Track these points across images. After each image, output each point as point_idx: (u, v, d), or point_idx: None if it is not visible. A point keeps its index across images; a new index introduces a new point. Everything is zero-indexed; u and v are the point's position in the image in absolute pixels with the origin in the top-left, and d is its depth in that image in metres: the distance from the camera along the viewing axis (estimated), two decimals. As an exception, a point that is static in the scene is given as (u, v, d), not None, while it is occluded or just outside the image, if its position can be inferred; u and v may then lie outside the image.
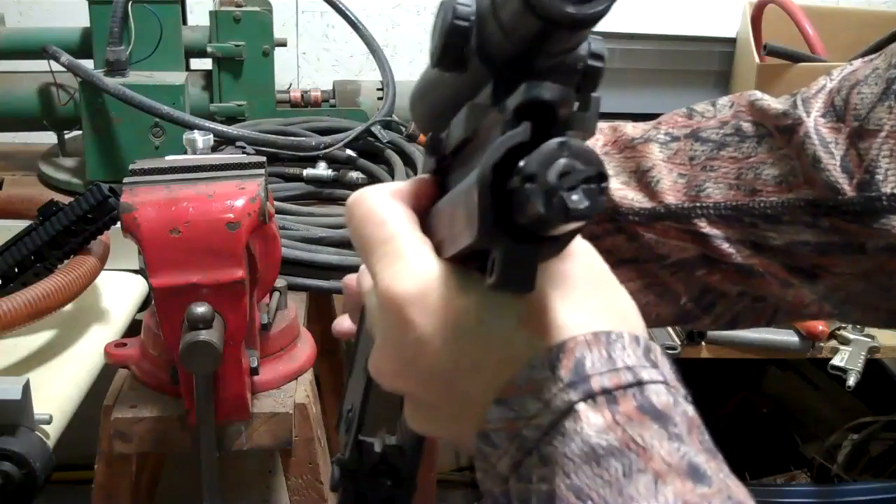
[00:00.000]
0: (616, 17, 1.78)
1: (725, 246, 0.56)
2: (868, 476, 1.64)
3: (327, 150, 1.48)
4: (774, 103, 0.55)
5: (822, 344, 1.30)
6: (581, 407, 0.35)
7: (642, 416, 0.35)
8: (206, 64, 1.63)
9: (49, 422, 0.92)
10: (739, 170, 0.55)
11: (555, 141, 0.34)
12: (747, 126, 0.56)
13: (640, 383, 0.35)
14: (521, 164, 0.34)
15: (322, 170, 1.49)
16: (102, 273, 1.08)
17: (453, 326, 0.39)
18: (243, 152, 1.40)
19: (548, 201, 0.33)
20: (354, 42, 1.71)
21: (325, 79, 1.88)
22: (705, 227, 0.56)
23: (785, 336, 1.32)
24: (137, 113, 1.39)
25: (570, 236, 0.36)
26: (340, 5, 1.64)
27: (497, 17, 0.37)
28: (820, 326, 1.29)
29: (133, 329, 1.15)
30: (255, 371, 0.95)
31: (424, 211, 0.44)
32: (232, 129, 1.42)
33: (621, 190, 0.57)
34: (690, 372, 1.57)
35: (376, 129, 1.52)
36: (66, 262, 1.06)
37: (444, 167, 0.46)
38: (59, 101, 1.55)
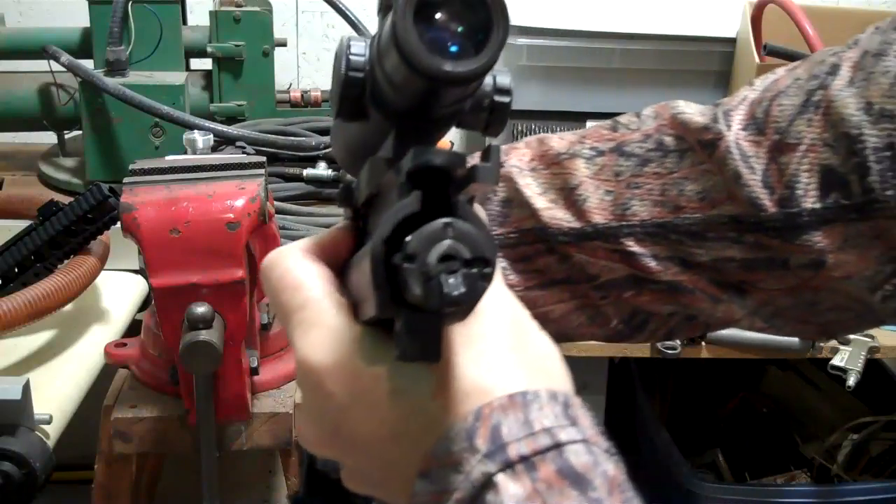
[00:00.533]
0: (616, 17, 1.77)
1: (653, 264, 0.55)
2: (868, 476, 1.64)
3: (327, 150, 1.48)
4: (696, 116, 0.54)
5: (822, 344, 1.30)
6: (500, 478, 0.34)
7: (562, 482, 0.34)
8: (206, 64, 1.63)
9: (49, 422, 0.92)
10: (663, 186, 0.55)
11: (440, 222, 0.34)
12: (669, 140, 0.55)
13: (558, 445, 0.35)
14: (407, 240, 0.34)
15: (322, 170, 1.49)
16: (102, 273, 1.08)
17: (369, 397, 0.38)
18: (243, 152, 1.40)
19: (425, 284, 0.33)
20: (354, 42, 1.71)
21: (325, 79, 1.88)
22: (633, 246, 0.55)
23: (785, 336, 1.32)
24: (137, 113, 1.39)
25: (475, 301, 0.35)
26: (340, 5, 1.64)
27: (383, 71, 0.36)
28: (820, 326, 1.29)
29: (133, 329, 1.15)
30: (255, 371, 0.95)
31: (344, 262, 0.43)
32: (232, 129, 1.42)
33: (550, 209, 0.56)
34: (690, 372, 1.56)
35: (376, 129, 1.52)
36: (66, 262, 1.06)
37: (361, 214, 0.45)
38: (59, 101, 1.55)
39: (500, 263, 0.56)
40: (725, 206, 0.53)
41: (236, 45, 1.56)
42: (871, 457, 1.65)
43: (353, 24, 1.64)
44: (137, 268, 1.26)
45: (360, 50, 0.38)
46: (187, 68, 1.61)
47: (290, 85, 1.91)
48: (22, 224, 1.10)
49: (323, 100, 1.67)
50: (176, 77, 1.50)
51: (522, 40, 1.58)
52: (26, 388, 0.88)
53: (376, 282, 0.35)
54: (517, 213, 0.57)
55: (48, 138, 1.66)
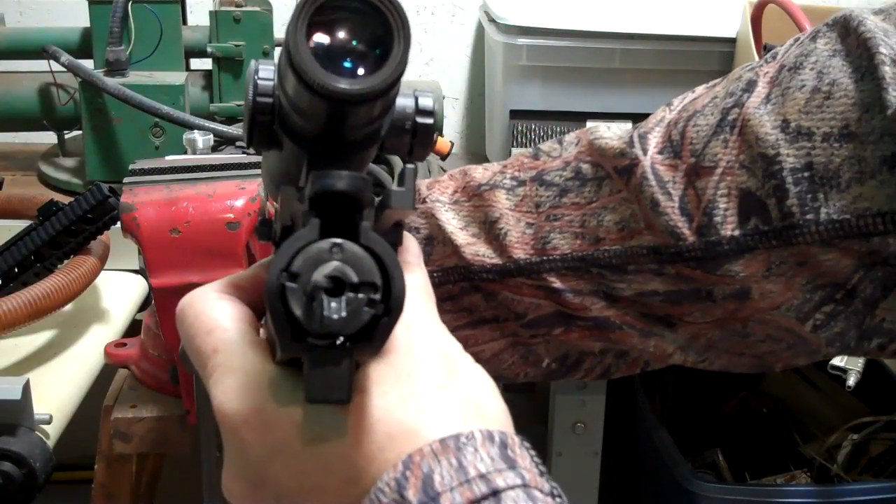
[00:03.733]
0: (616, 17, 1.78)
1: (578, 300, 0.52)
2: (868, 476, 1.64)
3: (327, 150, 1.48)
4: (612, 141, 0.51)
5: (822, 344, 1.30)
6: None
7: None
8: (206, 64, 1.63)
9: (49, 422, 0.92)
10: (583, 217, 0.52)
11: (328, 241, 0.32)
12: (587, 168, 0.52)
13: (495, 493, 0.32)
14: (294, 259, 0.32)
15: (322, 170, 1.49)
16: (102, 273, 1.08)
17: (288, 446, 0.36)
18: (243, 152, 1.40)
19: (307, 305, 0.31)
20: (354, 42, 1.71)
21: (325, 79, 1.87)
22: (555, 282, 0.52)
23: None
24: (137, 113, 1.39)
25: (383, 333, 0.32)
26: (340, 5, 1.63)
27: (285, 93, 0.34)
28: (820, 326, 1.29)
29: (133, 329, 1.15)
30: (255, 371, 0.95)
31: None
32: (232, 129, 1.42)
33: (472, 244, 0.54)
34: (690, 372, 1.56)
35: (376, 129, 1.52)
36: (66, 262, 1.06)
37: None
38: (59, 101, 1.55)
39: None
40: (645, 237, 0.49)
41: (236, 45, 1.56)
42: (871, 457, 1.65)
43: (353, 24, 1.64)
44: (137, 268, 1.25)
45: (268, 74, 0.36)
46: (187, 68, 1.61)
47: (290, 85, 1.91)
48: (22, 224, 1.10)
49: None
50: (176, 77, 1.50)
51: (522, 40, 1.58)
52: (26, 388, 0.88)
53: (275, 317, 0.32)
54: (440, 250, 0.54)
55: (48, 138, 1.66)
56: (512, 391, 1.97)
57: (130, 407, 0.98)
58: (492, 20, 1.66)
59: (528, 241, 0.53)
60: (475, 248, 0.54)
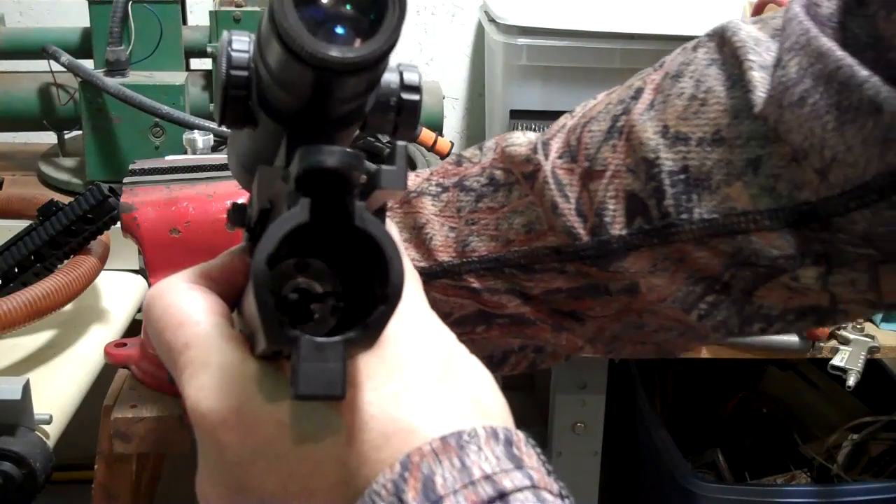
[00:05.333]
0: (616, 17, 1.78)
1: (495, 298, 0.55)
2: (868, 476, 1.64)
3: (327, 150, 1.48)
4: (521, 148, 0.54)
5: (822, 344, 1.30)
6: None
7: None
8: (206, 64, 1.63)
9: (49, 422, 0.92)
10: (497, 220, 0.55)
11: (290, 262, 0.30)
12: (499, 174, 0.55)
13: (502, 496, 0.30)
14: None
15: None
16: (102, 273, 1.08)
17: (272, 447, 0.33)
18: (243, 152, 1.39)
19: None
20: (354, 42, 1.71)
21: (325, 79, 1.87)
22: (474, 282, 0.55)
23: (785, 336, 1.31)
24: (137, 113, 1.39)
25: (380, 323, 0.30)
26: (340, 5, 1.63)
27: (267, 65, 0.32)
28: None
29: (133, 329, 1.15)
30: (255, 371, 0.95)
31: (240, 290, 0.39)
32: (232, 129, 1.42)
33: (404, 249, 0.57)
34: (690, 372, 1.56)
35: (376, 129, 1.52)
36: (66, 262, 1.06)
37: (256, 234, 0.39)
38: (59, 101, 1.55)
39: None
40: (548, 238, 0.53)
41: (236, 45, 1.56)
42: (871, 457, 1.65)
43: (353, 24, 1.64)
44: (137, 268, 1.25)
45: (242, 46, 0.33)
46: (187, 68, 1.61)
47: (290, 85, 1.91)
48: (22, 224, 1.10)
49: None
50: (176, 77, 1.50)
51: (522, 40, 1.58)
52: (26, 388, 0.88)
53: (261, 306, 0.29)
54: None
55: (48, 138, 1.66)
56: (512, 390, 1.98)
57: (130, 407, 0.98)
58: (492, 20, 1.66)
59: (451, 244, 0.55)
60: (405, 253, 0.56)
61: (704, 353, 1.32)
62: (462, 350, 0.36)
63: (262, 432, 0.33)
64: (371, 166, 0.31)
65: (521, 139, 0.55)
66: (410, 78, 0.35)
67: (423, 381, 0.33)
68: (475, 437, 0.31)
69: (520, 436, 0.33)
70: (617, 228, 0.50)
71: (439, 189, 0.57)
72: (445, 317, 0.55)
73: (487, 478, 0.30)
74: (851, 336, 1.30)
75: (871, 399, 1.69)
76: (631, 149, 0.50)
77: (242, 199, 0.90)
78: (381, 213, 0.34)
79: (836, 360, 1.28)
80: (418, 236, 0.56)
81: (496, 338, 0.57)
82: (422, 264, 0.55)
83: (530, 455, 0.32)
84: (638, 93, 0.52)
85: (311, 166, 0.30)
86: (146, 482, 1.34)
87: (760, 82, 0.46)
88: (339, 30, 0.30)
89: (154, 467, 1.41)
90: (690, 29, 1.71)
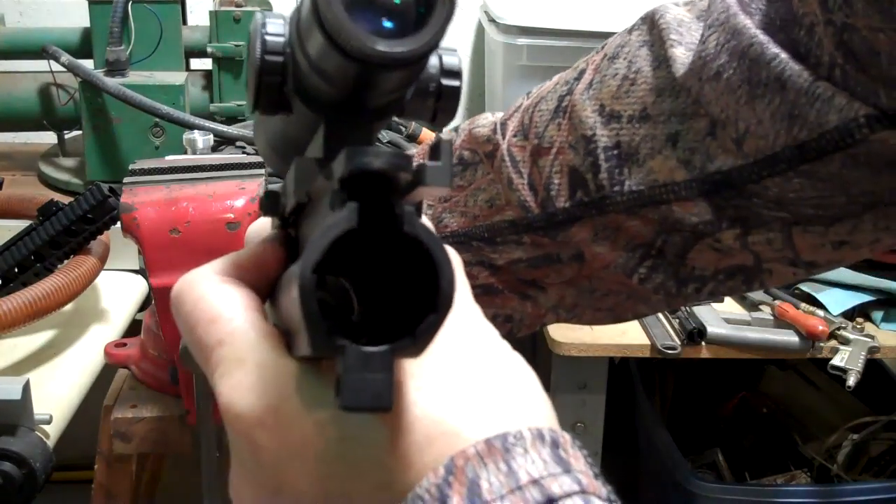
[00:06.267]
0: (616, 18, 1.78)
1: (467, 270, 0.57)
2: (868, 476, 1.64)
3: (327, 150, 1.48)
4: (483, 129, 0.58)
5: (822, 344, 1.30)
6: None
7: None
8: (206, 64, 1.63)
9: (49, 422, 0.92)
10: (466, 197, 0.59)
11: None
12: (467, 154, 0.59)
13: (550, 501, 0.29)
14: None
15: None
16: (102, 273, 1.08)
17: (311, 449, 0.32)
18: (243, 152, 1.40)
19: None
20: (354, 42, 1.71)
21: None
22: None
23: (785, 336, 1.31)
24: (137, 113, 1.39)
25: (429, 333, 0.29)
26: (340, 5, 1.64)
27: (307, 55, 0.30)
28: (820, 326, 1.28)
29: (133, 329, 1.15)
30: (255, 371, 0.95)
31: (274, 281, 0.37)
32: (232, 129, 1.42)
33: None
34: (690, 372, 1.55)
35: (376, 129, 1.52)
36: (66, 262, 1.06)
37: (291, 222, 0.39)
38: (59, 101, 1.55)
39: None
40: (506, 212, 0.57)
41: (236, 45, 1.56)
42: (871, 457, 1.65)
43: (353, 24, 1.64)
44: (137, 268, 1.26)
45: (278, 28, 0.31)
46: (187, 68, 1.61)
47: (290, 85, 1.91)
48: (22, 224, 1.10)
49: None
50: (176, 77, 1.50)
51: (522, 40, 1.58)
52: (26, 388, 0.88)
53: (308, 316, 0.28)
54: None
55: (48, 138, 1.66)
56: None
57: (130, 407, 0.98)
58: (492, 20, 1.66)
59: (428, 221, 0.59)
60: None
61: (704, 352, 1.32)
62: (505, 346, 0.34)
63: (301, 433, 0.32)
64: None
65: (486, 121, 0.59)
66: (450, 62, 0.34)
67: (467, 381, 0.32)
68: (521, 439, 0.30)
69: (566, 437, 0.32)
70: (561, 201, 0.55)
71: None
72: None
73: (535, 482, 0.29)
74: (851, 336, 1.30)
75: (871, 399, 1.69)
76: (572, 126, 0.54)
77: (241, 199, 0.90)
78: (418, 208, 0.33)
79: (836, 360, 1.28)
80: None
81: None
82: None
83: (577, 457, 0.31)
84: (580, 74, 0.56)
85: (360, 168, 0.28)
86: (146, 482, 1.34)
87: (681, 57, 0.50)
88: (388, 24, 0.29)
89: (154, 467, 1.41)
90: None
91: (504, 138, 0.57)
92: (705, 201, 0.50)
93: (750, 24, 0.47)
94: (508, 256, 0.58)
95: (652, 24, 0.53)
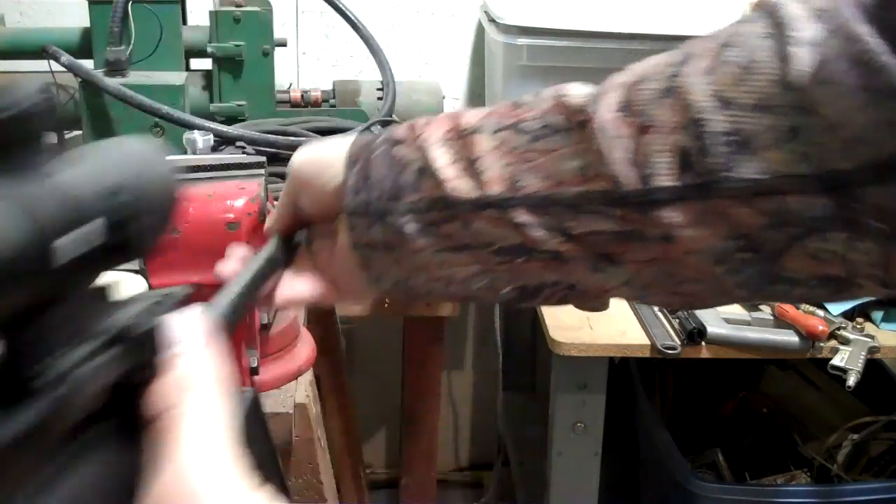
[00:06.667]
0: (616, 17, 1.77)
1: (539, 233, 0.59)
2: (868, 476, 1.64)
3: (327, 150, 1.48)
4: (577, 98, 0.59)
5: (822, 344, 1.30)
6: None
7: None
8: (206, 64, 1.63)
9: (49, 422, 0.92)
10: (550, 161, 0.59)
11: None
12: (555, 120, 0.60)
13: None
14: None
15: (322, 170, 1.49)
16: (102, 273, 1.08)
17: None
18: (243, 152, 1.40)
19: None
20: (354, 42, 1.71)
21: (325, 79, 1.88)
22: (521, 216, 0.59)
23: (785, 336, 1.32)
24: (137, 113, 1.39)
25: None
26: (340, 5, 1.64)
27: None
28: (820, 326, 1.29)
29: (133, 329, 1.15)
30: (255, 371, 0.95)
31: None
32: (232, 129, 1.42)
33: (456, 179, 0.60)
34: (690, 372, 1.56)
35: (376, 129, 1.52)
36: (66, 262, 1.06)
37: None
38: (59, 102, 1.55)
39: (415, 226, 0.60)
40: (599, 183, 0.57)
41: (236, 45, 1.56)
42: (871, 457, 1.66)
43: (353, 24, 1.65)
44: (137, 268, 1.25)
45: None
46: (187, 68, 1.61)
47: (290, 85, 1.91)
48: (22, 224, 1.10)
49: (323, 100, 1.67)
50: (176, 77, 1.50)
51: (522, 40, 1.58)
52: (26, 388, 0.88)
53: None
54: (428, 182, 0.61)
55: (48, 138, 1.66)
56: (512, 390, 1.98)
57: (130, 407, 0.98)
58: (492, 20, 1.66)
59: (503, 178, 0.60)
60: (457, 183, 0.60)
61: (704, 352, 1.32)
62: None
63: None
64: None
65: (577, 91, 0.60)
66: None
67: None
68: None
69: None
70: (664, 180, 0.55)
71: (496, 127, 0.61)
72: (488, 246, 0.60)
73: None
74: (851, 336, 1.30)
75: (871, 399, 1.69)
76: (682, 108, 0.55)
77: (241, 199, 0.90)
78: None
79: (836, 360, 1.28)
80: (471, 168, 0.60)
81: (533, 270, 0.61)
82: (471, 195, 0.60)
83: None
84: (687, 58, 0.56)
85: None
86: (146, 482, 1.34)
87: (800, 55, 0.51)
88: None
89: (154, 467, 1.41)
90: (690, 29, 1.71)
91: (602, 111, 0.57)
92: (825, 197, 0.51)
93: (866, 31, 0.48)
94: (589, 227, 0.58)
95: (770, 17, 0.54)
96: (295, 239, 0.68)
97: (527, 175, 0.59)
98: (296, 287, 0.67)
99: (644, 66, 0.60)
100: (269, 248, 0.65)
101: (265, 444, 0.47)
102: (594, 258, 0.59)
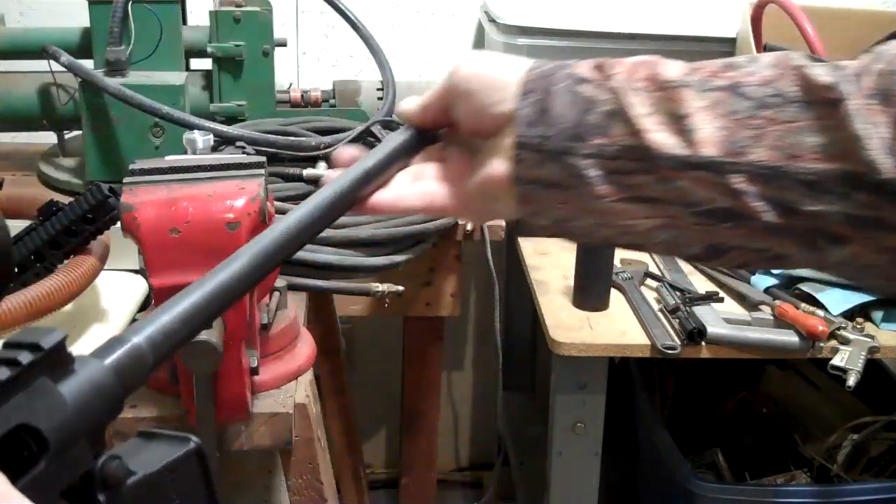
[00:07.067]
0: (616, 17, 1.78)
1: (758, 204, 0.56)
2: (868, 476, 1.64)
3: (327, 150, 1.48)
4: (822, 76, 0.56)
5: (822, 344, 1.30)
6: None
7: None
8: (206, 64, 1.63)
9: (49, 422, 0.92)
10: (781, 132, 0.56)
11: None
12: (792, 91, 0.56)
13: None
14: None
15: (322, 170, 1.49)
16: (102, 273, 1.08)
17: None
18: (243, 152, 1.40)
19: None
20: (354, 42, 1.71)
21: (325, 79, 1.88)
22: (740, 183, 0.56)
23: (785, 336, 1.31)
24: (137, 113, 1.39)
25: None
26: (340, 5, 1.64)
27: None
28: (820, 326, 1.29)
29: (133, 329, 1.15)
30: (255, 371, 0.95)
31: None
32: (232, 129, 1.42)
33: (657, 132, 0.57)
34: (690, 372, 1.55)
35: (376, 129, 1.52)
36: (66, 262, 1.06)
37: None
38: (59, 101, 1.55)
39: (598, 171, 0.57)
40: (842, 163, 0.54)
41: (236, 45, 1.56)
42: (871, 457, 1.65)
43: (353, 24, 1.64)
44: (137, 268, 1.25)
45: None
46: (187, 68, 1.61)
47: (290, 85, 1.91)
48: (22, 224, 1.10)
49: (323, 100, 1.67)
50: (176, 77, 1.50)
51: (522, 40, 1.58)
52: (26, 388, 0.88)
53: None
54: (620, 128, 0.57)
55: (48, 138, 1.66)
56: (512, 390, 1.98)
57: (130, 407, 0.98)
58: (492, 20, 1.66)
59: (720, 141, 0.56)
60: (660, 136, 0.57)
61: (704, 352, 1.32)
62: None
63: None
64: None
65: (821, 67, 0.57)
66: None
67: None
68: None
69: None
70: None
71: (707, 86, 0.58)
72: (690, 206, 0.57)
73: None
74: (851, 336, 1.30)
75: (871, 399, 1.69)
76: None
77: (241, 199, 0.90)
78: None
79: (836, 360, 1.28)
80: (676, 124, 0.57)
81: (735, 235, 0.58)
82: (677, 151, 0.57)
83: None
84: None
85: None
86: (146, 482, 1.34)
87: None
88: None
89: (154, 467, 1.41)
90: (690, 29, 1.72)
91: (854, 94, 0.55)
92: None
93: None
94: (820, 205, 0.55)
95: None
96: (437, 133, 0.65)
97: (751, 142, 0.56)
98: (412, 189, 0.63)
99: (890, 51, 0.56)
100: (402, 135, 0.63)
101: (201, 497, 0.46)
102: (814, 235, 0.57)
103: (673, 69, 0.59)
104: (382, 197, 0.62)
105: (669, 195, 0.58)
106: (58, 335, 0.37)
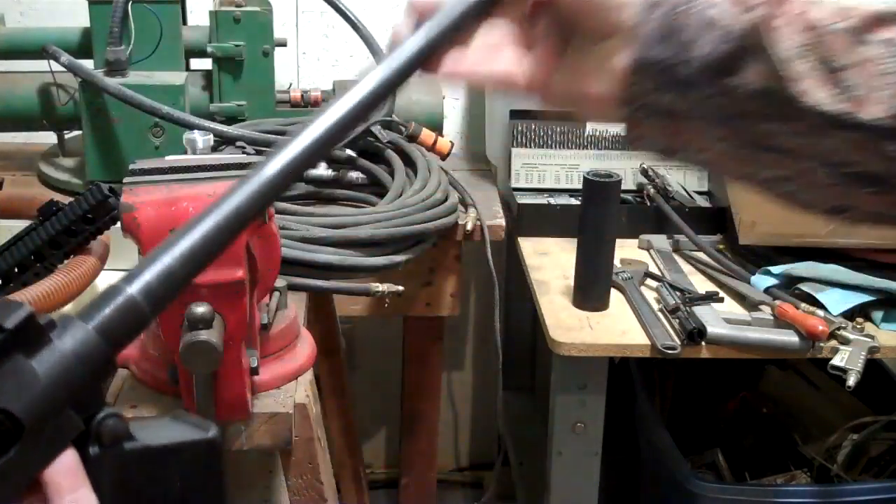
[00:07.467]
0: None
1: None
2: (868, 476, 1.64)
3: (327, 150, 1.48)
4: None
5: (822, 344, 1.30)
6: None
7: None
8: (206, 64, 1.63)
9: (49, 422, 0.92)
10: None
11: None
12: None
13: None
14: None
15: (322, 170, 1.49)
16: (102, 273, 1.08)
17: None
18: (243, 152, 1.40)
19: None
20: (354, 42, 1.71)
21: (325, 79, 1.88)
22: None
23: (785, 336, 1.31)
24: (137, 113, 1.39)
25: None
26: (340, 5, 1.64)
27: None
28: (820, 326, 1.28)
29: (133, 329, 1.15)
30: (255, 371, 0.95)
31: None
32: (232, 129, 1.42)
33: (804, 81, 0.50)
34: (690, 372, 1.55)
35: (376, 129, 1.52)
36: (66, 262, 1.06)
37: None
38: (59, 101, 1.55)
39: (725, 113, 0.52)
40: None
41: (236, 45, 1.56)
42: (871, 457, 1.65)
43: (353, 24, 1.64)
44: (137, 268, 1.25)
45: None
46: (187, 68, 1.61)
47: (290, 85, 1.91)
48: (22, 224, 1.10)
49: (323, 100, 1.67)
50: (176, 77, 1.50)
51: (522, 40, 1.58)
52: (26, 388, 0.88)
53: None
54: (760, 68, 0.51)
55: (48, 138, 1.66)
56: (512, 390, 1.98)
57: (130, 407, 0.98)
58: (492, 20, 1.65)
59: (883, 102, 0.50)
60: (810, 86, 0.50)
61: (704, 353, 1.32)
62: None
63: None
64: None
65: None
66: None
67: None
68: None
69: None
70: None
71: (868, 38, 0.51)
72: (833, 165, 0.52)
73: None
74: (851, 336, 1.30)
75: (871, 399, 1.69)
76: None
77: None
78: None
79: (836, 360, 1.28)
80: (835, 77, 0.50)
81: (878, 203, 0.53)
82: (836, 109, 0.50)
83: None
84: None
85: None
86: (146, 482, 1.34)
87: None
88: None
89: (154, 467, 1.41)
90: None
91: None
92: None
93: None
94: None
95: None
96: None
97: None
98: (491, 65, 0.56)
99: None
100: None
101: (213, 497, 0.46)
102: None
103: (824, 11, 0.52)
104: (458, 65, 0.55)
105: (808, 150, 0.52)
106: (22, 311, 0.37)
